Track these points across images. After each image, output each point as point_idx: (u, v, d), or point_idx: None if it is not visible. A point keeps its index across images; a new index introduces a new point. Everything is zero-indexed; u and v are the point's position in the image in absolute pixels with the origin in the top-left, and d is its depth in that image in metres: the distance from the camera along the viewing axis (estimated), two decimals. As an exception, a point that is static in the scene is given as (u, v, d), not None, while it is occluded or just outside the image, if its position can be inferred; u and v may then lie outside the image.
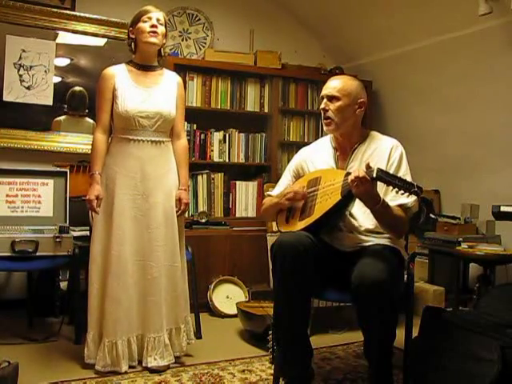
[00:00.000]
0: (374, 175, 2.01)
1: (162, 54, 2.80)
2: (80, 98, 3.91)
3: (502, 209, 3.16)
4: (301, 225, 2.31)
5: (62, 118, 3.89)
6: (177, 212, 2.72)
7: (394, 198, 2.22)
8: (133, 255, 2.64)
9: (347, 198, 2.19)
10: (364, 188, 2.06)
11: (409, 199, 2.19)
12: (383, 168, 2.11)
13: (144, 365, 2.64)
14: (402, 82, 4.47)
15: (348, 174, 2.18)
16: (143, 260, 2.65)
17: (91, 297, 2.65)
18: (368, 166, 2.07)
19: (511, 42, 3.45)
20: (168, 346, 2.66)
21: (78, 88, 3.90)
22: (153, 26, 2.66)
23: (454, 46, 3.84)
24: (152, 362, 2.62)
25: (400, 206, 2.24)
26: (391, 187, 2.03)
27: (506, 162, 3.69)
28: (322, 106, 2.39)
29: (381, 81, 4.61)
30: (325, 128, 2.43)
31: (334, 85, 2.39)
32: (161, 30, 2.69)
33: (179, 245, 2.77)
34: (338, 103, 2.36)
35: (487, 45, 3.61)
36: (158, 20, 2.68)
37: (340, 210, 2.26)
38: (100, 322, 2.63)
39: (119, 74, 2.71)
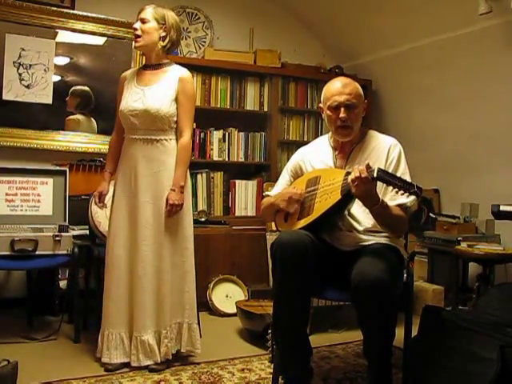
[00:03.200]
0: (375, 175, 2.01)
1: (159, 46, 2.74)
2: (90, 98, 3.93)
3: (502, 208, 3.16)
4: (300, 224, 2.31)
5: (78, 117, 3.91)
6: (164, 213, 2.67)
7: (393, 198, 2.22)
8: (125, 252, 2.66)
9: (347, 198, 2.19)
10: (364, 188, 2.07)
11: (408, 199, 2.19)
12: (382, 167, 2.11)
13: (128, 361, 2.66)
14: (401, 82, 4.47)
15: (348, 173, 2.18)
16: (132, 258, 2.66)
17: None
18: (368, 166, 2.06)
19: (511, 41, 3.45)
20: (152, 347, 2.63)
21: (85, 87, 3.92)
22: (134, 29, 2.72)
23: (453, 45, 3.84)
24: (135, 360, 2.62)
25: (399, 205, 2.24)
26: (391, 187, 2.03)
27: (506, 161, 3.69)
28: (343, 114, 2.30)
29: (380, 80, 4.61)
30: (340, 137, 2.38)
31: (348, 91, 2.32)
32: (143, 29, 2.69)
33: (179, 247, 2.72)
34: (356, 110, 2.34)
35: (487, 44, 3.61)
36: (142, 20, 2.70)
37: (340, 210, 2.26)
38: None
39: (129, 77, 2.82)
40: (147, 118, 2.66)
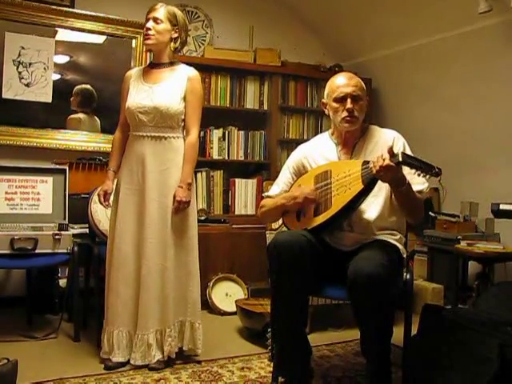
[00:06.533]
0: (400, 159, 2.05)
1: (171, 48, 2.77)
2: (91, 96, 3.93)
3: (502, 207, 3.16)
4: (319, 219, 2.29)
5: (80, 115, 3.91)
6: (172, 210, 2.67)
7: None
8: (133, 249, 2.66)
9: (370, 186, 2.21)
10: (391, 174, 2.10)
11: (423, 185, 2.27)
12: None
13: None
14: (401, 80, 4.47)
15: (366, 162, 2.19)
16: (137, 256, 2.66)
17: (105, 292, 2.73)
18: (392, 152, 2.08)
19: (511, 39, 3.45)
20: (152, 347, 2.62)
21: (87, 86, 3.92)
22: (146, 28, 2.71)
23: (453, 44, 3.84)
24: (134, 359, 2.62)
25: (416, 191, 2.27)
26: (414, 170, 2.07)
27: (506, 160, 3.69)
28: (350, 105, 2.33)
29: (380, 79, 4.61)
30: (346, 126, 2.37)
31: (354, 83, 2.37)
32: (156, 29, 2.69)
33: (184, 246, 2.71)
34: (361, 102, 2.37)
35: (487, 43, 3.61)
36: (155, 19, 2.69)
37: (359, 200, 2.25)
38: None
39: (134, 75, 2.82)
40: (156, 114, 2.67)
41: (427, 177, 2.08)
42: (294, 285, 2.17)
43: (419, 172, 2.06)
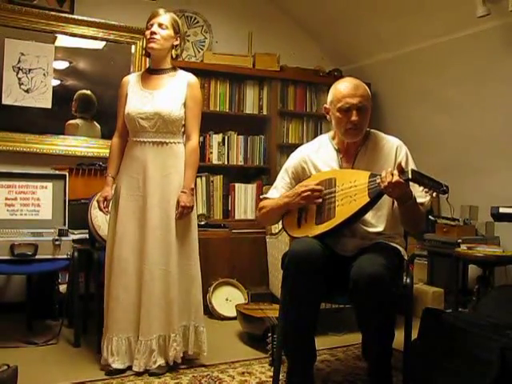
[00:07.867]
0: (410, 176, 2.04)
1: (173, 55, 2.80)
2: (89, 102, 3.94)
3: (501, 210, 3.16)
4: (320, 228, 2.25)
5: (78, 121, 3.92)
6: (176, 215, 2.68)
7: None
8: (133, 256, 2.65)
9: (376, 200, 2.18)
10: (399, 190, 2.09)
11: (425, 198, 2.24)
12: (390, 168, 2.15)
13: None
14: (400, 84, 4.47)
15: (373, 175, 2.17)
16: (140, 261, 2.65)
17: (105, 298, 2.72)
18: (401, 169, 2.07)
19: (509, 43, 3.45)
20: (154, 353, 2.61)
21: (87, 91, 3.93)
22: (151, 32, 2.70)
23: (452, 47, 3.84)
24: (136, 365, 2.61)
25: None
26: (421, 188, 2.06)
27: (505, 163, 3.69)
28: (355, 118, 2.25)
29: (380, 83, 4.62)
30: (350, 139, 2.34)
31: (360, 93, 2.27)
32: (162, 34, 2.69)
33: (186, 250, 2.72)
34: (367, 113, 2.31)
35: (486, 46, 3.62)
36: (160, 25, 2.69)
37: (365, 212, 2.23)
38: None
39: (132, 80, 2.81)
40: (158, 120, 2.67)
41: (434, 194, 2.06)
42: (310, 292, 2.16)
43: (427, 189, 2.04)
